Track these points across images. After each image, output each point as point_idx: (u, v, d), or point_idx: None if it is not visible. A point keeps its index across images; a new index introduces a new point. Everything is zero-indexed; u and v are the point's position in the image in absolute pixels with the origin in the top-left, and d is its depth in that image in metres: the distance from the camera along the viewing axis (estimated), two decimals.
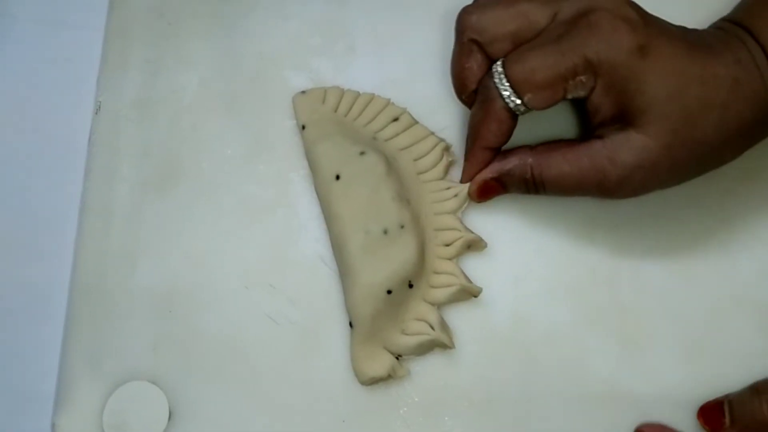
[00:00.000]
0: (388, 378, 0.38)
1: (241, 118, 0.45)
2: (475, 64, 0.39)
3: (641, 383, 0.40)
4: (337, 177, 0.41)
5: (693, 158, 0.37)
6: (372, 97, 0.44)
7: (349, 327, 0.40)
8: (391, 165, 0.41)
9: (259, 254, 0.42)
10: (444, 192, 0.42)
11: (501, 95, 0.38)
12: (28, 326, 0.42)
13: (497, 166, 0.40)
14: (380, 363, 0.38)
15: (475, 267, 0.41)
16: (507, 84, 0.37)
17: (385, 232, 0.39)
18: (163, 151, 0.44)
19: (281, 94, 0.45)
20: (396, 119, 0.43)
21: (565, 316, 0.41)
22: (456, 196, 0.41)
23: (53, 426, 0.39)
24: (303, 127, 0.43)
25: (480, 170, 0.41)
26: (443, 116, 0.44)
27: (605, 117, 0.38)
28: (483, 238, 0.41)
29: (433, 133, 0.43)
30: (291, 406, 0.39)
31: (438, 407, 0.39)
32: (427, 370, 0.40)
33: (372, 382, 0.39)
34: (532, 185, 0.39)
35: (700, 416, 0.38)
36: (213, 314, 0.41)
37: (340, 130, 0.42)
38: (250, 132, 0.45)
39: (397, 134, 0.43)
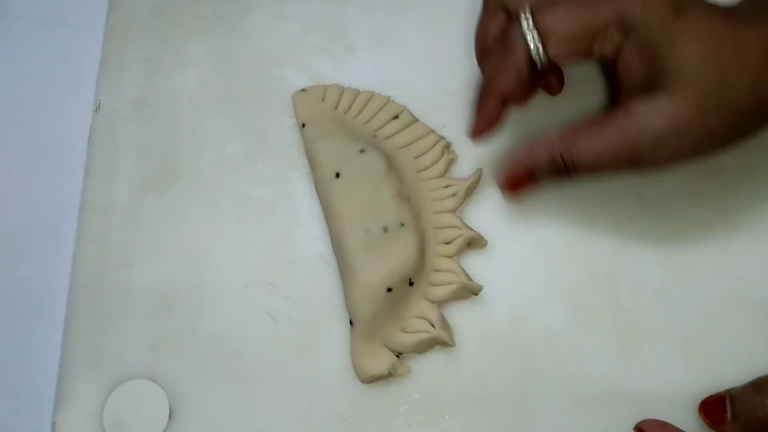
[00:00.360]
0: (388, 376, 0.38)
1: (241, 117, 0.45)
2: (500, 27, 0.39)
3: (640, 382, 0.39)
4: (337, 175, 0.41)
5: (726, 124, 0.36)
6: (372, 95, 0.44)
7: (349, 325, 0.40)
8: (391, 163, 0.41)
9: (258, 253, 0.42)
10: (443, 190, 0.42)
11: (525, 41, 0.36)
12: (28, 325, 0.42)
13: (524, 156, 0.39)
14: (380, 361, 0.38)
15: (476, 265, 0.41)
16: (534, 30, 0.36)
17: (385, 230, 0.39)
18: (163, 150, 0.44)
19: (280, 93, 0.45)
20: (396, 117, 0.43)
21: (565, 314, 0.41)
22: (455, 195, 0.41)
23: (53, 425, 0.39)
24: (303, 125, 0.43)
25: (489, 122, 0.39)
26: (443, 114, 0.44)
27: (636, 80, 0.36)
28: (483, 235, 0.41)
29: (433, 131, 0.43)
30: (291, 405, 0.39)
31: (438, 405, 0.39)
32: (427, 367, 0.40)
33: (372, 380, 0.39)
34: (564, 170, 0.38)
35: (701, 410, 0.38)
36: (213, 313, 0.41)
37: (339, 128, 0.42)
38: (250, 131, 0.45)
39: (397, 132, 0.43)
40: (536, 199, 0.41)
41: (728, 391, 0.38)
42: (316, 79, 0.45)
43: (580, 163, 0.37)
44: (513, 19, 0.37)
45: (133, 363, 0.40)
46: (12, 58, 0.48)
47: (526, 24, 0.36)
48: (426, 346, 0.39)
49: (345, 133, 0.42)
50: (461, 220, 0.41)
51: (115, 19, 0.47)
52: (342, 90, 0.44)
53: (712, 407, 0.38)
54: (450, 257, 0.40)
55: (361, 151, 0.41)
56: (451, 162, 0.43)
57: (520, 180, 0.39)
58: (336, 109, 0.43)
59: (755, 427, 0.36)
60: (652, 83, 0.36)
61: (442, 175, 0.42)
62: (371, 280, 0.38)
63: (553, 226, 0.42)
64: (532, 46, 0.36)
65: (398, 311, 0.39)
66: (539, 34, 0.36)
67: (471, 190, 0.42)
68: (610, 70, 0.38)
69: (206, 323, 0.41)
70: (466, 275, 0.40)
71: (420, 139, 0.43)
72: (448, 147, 0.42)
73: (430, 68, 0.45)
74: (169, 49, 0.47)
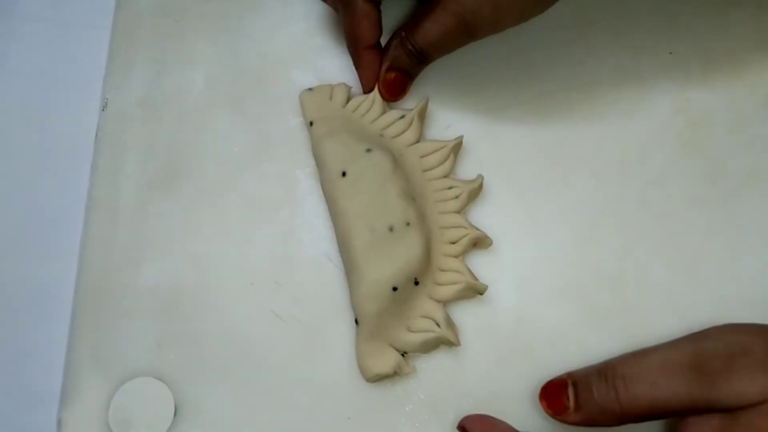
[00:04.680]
0: (393, 375, 0.38)
1: (247, 116, 0.45)
2: None
3: None
4: (344, 174, 0.41)
5: None
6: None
7: (354, 324, 0.40)
8: (397, 162, 0.41)
9: (264, 251, 0.42)
10: (446, 191, 0.42)
11: None
12: (34, 323, 0.42)
13: (385, 57, 0.42)
14: (386, 360, 0.38)
15: (481, 264, 0.41)
16: None
17: (391, 229, 0.39)
18: (169, 149, 0.44)
19: (287, 93, 0.45)
20: (402, 117, 0.43)
21: (570, 314, 0.41)
22: (457, 197, 0.41)
23: (59, 422, 0.39)
24: (311, 124, 0.43)
25: (375, 72, 0.43)
26: (448, 113, 0.44)
27: None
28: (488, 235, 0.41)
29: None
30: (296, 403, 0.39)
31: (443, 404, 0.39)
32: (432, 367, 0.40)
33: (377, 379, 0.39)
34: (419, 55, 0.41)
35: (542, 398, 0.35)
36: (219, 311, 0.41)
37: (346, 127, 0.42)
38: (256, 130, 0.45)
39: (404, 131, 0.43)
40: (541, 199, 0.42)
41: (569, 375, 0.36)
42: (322, 79, 0.45)
43: (426, 46, 0.41)
44: None
45: (139, 361, 0.40)
46: (19, 57, 0.48)
47: None
48: (431, 345, 0.39)
49: (352, 132, 0.42)
50: (466, 220, 0.41)
51: (121, 19, 0.48)
52: (349, 89, 0.44)
53: (554, 396, 0.35)
54: (456, 257, 0.40)
55: (368, 150, 0.41)
56: (457, 160, 0.43)
57: (394, 81, 0.43)
58: (344, 107, 0.44)
59: (598, 418, 0.34)
60: None
61: (447, 176, 0.42)
62: (377, 279, 0.38)
63: (559, 226, 0.42)
64: None
65: (404, 310, 0.39)
66: None
67: (474, 195, 0.42)
68: None
69: (212, 322, 0.41)
70: (472, 275, 0.40)
71: (427, 139, 0.43)
72: (455, 149, 0.42)
73: (434, 68, 0.45)
74: (176, 48, 0.47)
